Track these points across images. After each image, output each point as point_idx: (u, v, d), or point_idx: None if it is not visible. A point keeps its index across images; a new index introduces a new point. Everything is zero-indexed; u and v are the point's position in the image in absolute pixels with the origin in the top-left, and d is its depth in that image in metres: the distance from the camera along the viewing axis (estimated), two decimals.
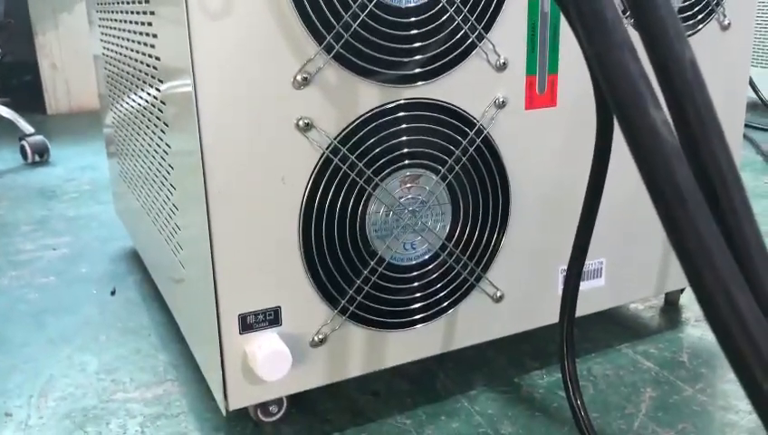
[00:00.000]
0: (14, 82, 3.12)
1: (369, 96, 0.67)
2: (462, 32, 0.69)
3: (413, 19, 0.66)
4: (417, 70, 0.68)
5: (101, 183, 1.82)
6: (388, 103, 0.67)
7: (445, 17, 0.68)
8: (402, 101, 0.68)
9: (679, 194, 0.35)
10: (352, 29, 0.64)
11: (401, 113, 0.68)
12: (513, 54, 0.72)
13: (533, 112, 0.75)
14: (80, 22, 2.86)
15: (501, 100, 0.73)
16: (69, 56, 2.88)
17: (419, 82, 0.68)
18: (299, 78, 0.63)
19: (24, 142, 2.05)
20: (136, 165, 1.01)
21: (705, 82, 0.39)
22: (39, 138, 2.06)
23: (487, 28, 0.70)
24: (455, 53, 0.69)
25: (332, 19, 0.63)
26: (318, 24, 0.63)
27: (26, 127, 2.07)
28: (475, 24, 0.69)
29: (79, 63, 2.88)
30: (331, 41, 0.63)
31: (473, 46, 0.70)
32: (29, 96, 2.98)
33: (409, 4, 0.66)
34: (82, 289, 1.14)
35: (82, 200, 1.67)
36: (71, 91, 2.91)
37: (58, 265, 1.25)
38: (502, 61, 0.72)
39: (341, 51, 0.64)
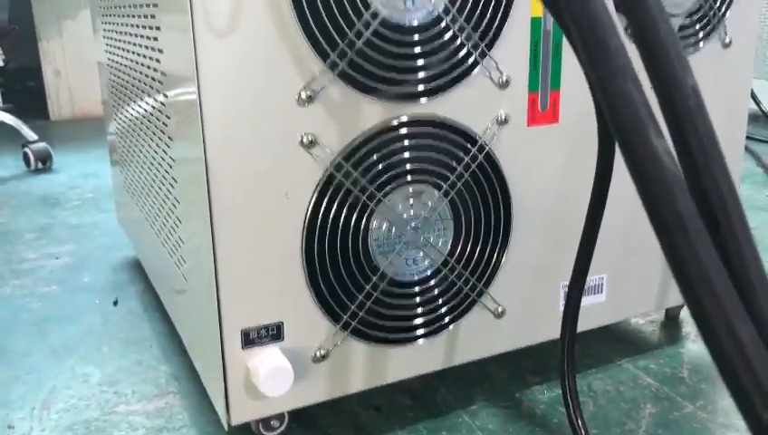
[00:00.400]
0: (18, 88, 3.13)
1: (372, 113, 0.67)
2: (465, 49, 0.69)
3: (416, 37, 0.67)
4: (421, 87, 0.68)
5: (104, 191, 1.82)
6: (392, 120, 0.68)
7: (448, 35, 0.68)
8: (405, 118, 0.68)
9: (681, 223, 0.35)
10: (356, 47, 0.64)
11: (404, 130, 0.69)
12: (515, 72, 0.73)
13: (536, 129, 0.75)
14: (83, 28, 2.88)
15: (503, 116, 0.73)
16: (72, 63, 2.89)
17: (422, 100, 0.69)
18: (303, 95, 0.64)
19: (27, 149, 2.06)
20: (139, 176, 1.01)
21: (707, 103, 0.40)
22: (42, 145, 2.06)
23: (490, 46, 0.71)
24: (458, 71, 0.70)
25: (336, 37, 0.64)
26: (322, 42, 0.63)
27: (30, 134, 2.08)
28: (478, 41, 0.70)
29: (82, 70, 2.89)
30: (335, 58, 0.64)
31: (475, 64, 0.70)
32: (32, 102, 2.99)
33: (413, 23, 0.66)
34: (85, 299, 1.15)
35: (85, 208, 1.68)
36: (74, 97, 2.92)
37: (61, 274, 1.26)
38: (504, 78, 0.72)
39: (345, 68, 0.65)
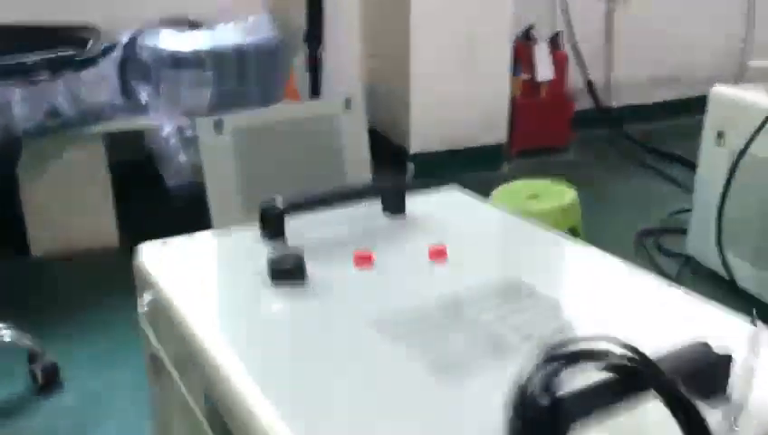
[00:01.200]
0: None
1: None
2: None
3: None
4: None
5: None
6: None
7: None
8: None
9: None
10: None
11: None
12: None
13: None
14: (67, 167, 2.85)
15: None
16: (55, 200, 2.86)
17: None
18: None
19: (33, 367, 2.06)
20: None
21: None
22: (48, 362, 2.07)
23: None
24: None
25: None
26: None
27: (33, 347, 2.08)
28: None
29: (64, 206, 2.87)
30: None
31: None
32: (11, 237, 2.93)
33: None
34: None
35: None
36: (57, 235, 2.89)
37: None
38: None
39: None
